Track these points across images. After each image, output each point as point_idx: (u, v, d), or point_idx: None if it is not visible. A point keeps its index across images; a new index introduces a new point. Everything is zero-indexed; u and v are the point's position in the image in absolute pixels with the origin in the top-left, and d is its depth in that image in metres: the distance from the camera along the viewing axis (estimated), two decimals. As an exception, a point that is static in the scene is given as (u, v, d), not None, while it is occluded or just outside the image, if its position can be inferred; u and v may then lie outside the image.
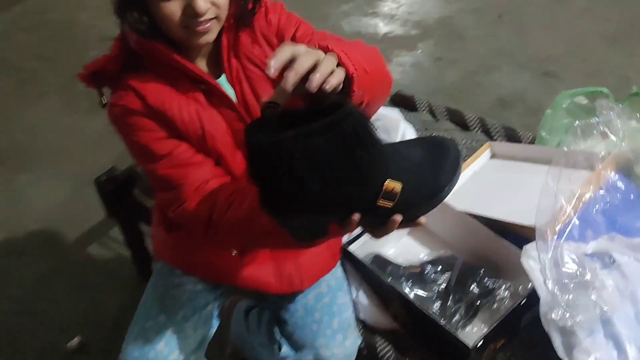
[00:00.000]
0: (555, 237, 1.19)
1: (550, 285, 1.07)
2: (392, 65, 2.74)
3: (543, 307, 1.03)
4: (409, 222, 0.78)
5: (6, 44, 3.19)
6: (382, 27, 3.06)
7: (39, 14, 3.44)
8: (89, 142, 2.38)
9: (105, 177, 1.53)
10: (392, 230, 0.77)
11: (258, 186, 0.70)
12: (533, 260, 1.10)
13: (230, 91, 0.99)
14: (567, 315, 1.03)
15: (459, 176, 0.78)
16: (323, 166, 0.66)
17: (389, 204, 0.72)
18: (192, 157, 0.96)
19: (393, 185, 0.71)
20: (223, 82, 1.00)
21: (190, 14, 0.86)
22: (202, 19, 0.87)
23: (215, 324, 1.20)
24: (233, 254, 1.10)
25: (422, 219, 0.78)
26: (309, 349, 1.12)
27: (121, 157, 1.63)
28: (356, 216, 0.73)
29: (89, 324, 1.70)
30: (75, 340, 1.64)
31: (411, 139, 0.86)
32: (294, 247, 1.00)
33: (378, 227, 0.78)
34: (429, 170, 0.75)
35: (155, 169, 0.95)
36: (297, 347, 1.14)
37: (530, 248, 1.12)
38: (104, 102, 0.99)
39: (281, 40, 1.01)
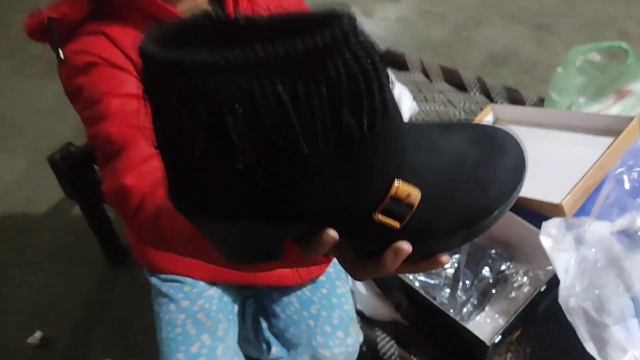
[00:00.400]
0: (578, 213, 1.07)
1: (573, 267, 0.95)
2: (375, 19, 2.54)
3: (563, 292, 0.91)
4: (422, 258, 0.47)
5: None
6: (362, -22, 2.84)
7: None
8: (44, 112, 2.15)
9: (60, 154, 1.34)
10: (390, 271, 0.46)
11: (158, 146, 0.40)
12: (553, 239, 0.97)
13: None
14: (593, 302, 0.91)
15: (519, 192, 0.48)
16: (275, 129, 0.35)
17: (395, 224, 0.43)
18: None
19: (408, 190, 0.42)
20: None
21: None
22: None
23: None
24: None
25: (444, 258, 0.47)
26: (305, 349, 0.97)
27: (80, 127, 1.43)
28: (329, 235, 0.42)
29: (54, 315, 1.53)
30: (36, 335, 1.48)
31: (446, 123, 0.52)
32: (228, 267, 0.58)
33: (364, 260, 0.47)
34: (474, 178, 0.46)
35: (107, 127, 0.71)
36: (289, 345, 1.00)
37: (549, 225, 0.99)
38: (62, 57, 0.77)
39: None
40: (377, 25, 2.49)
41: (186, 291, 0.98)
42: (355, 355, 1.01)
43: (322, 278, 1.02)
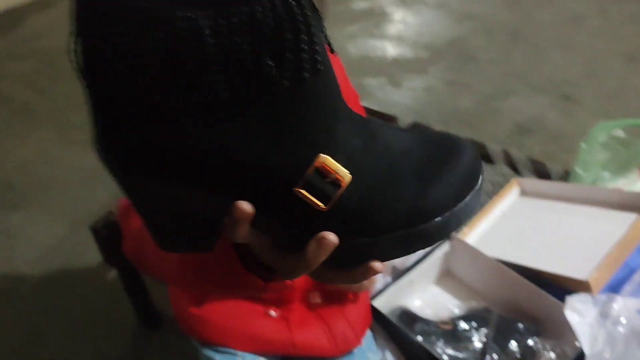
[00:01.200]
0: (604, 289, 1.08)
1: (599, 343, 0.95)
2: (403, 89, 2.63)
3: None
4: (353, 262, 0.42)
5: None
6: (391, 50, 2.96)
7: (32, 41, 3.35)
8: (84, 178, 2.26)
9: (102, 223, 1.41)
10: (312, 267, 0.41)
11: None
12: (579, 314, 0.98)
13: None
14: None
15: (471, 205, 0.43)
16: (193, 63, 0.35)
17: (318, 203, 0.39)
18: None
19: (334, 167, 0.39)
20: None
21: None
22: None
23: None
24: (273, 316, 0.96)
25: (377, 265, 0.42)
26: None
27: (118, 194, 1.51)
28: (242, 207, 0.39)
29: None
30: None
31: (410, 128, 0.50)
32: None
33: (285, 249, 0.43)
34: (415, 174, 0.42)
35: None
36: None
37: (574, 300, 1.00)
38: None
39: None
40: (405, 95, 2.58)
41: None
42: None
43: (355, 350, 1.04)
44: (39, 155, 2.42)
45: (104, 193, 1.90)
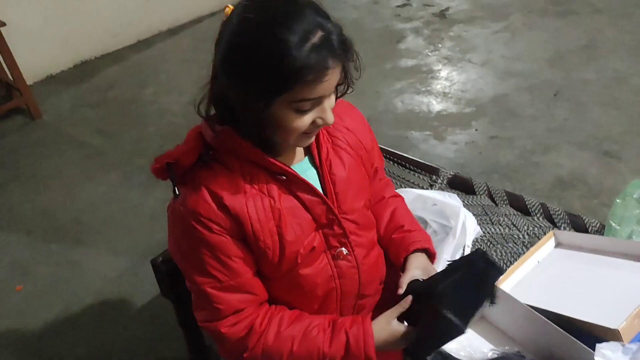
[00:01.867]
0: (635, 339, 1.12)
1: None
2: (446, 143, 2.73)
3: None
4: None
5: (73, 119, 3.37)
6: (435, 105, 3.08)
7: (104, 90, 3.64)
8: (145, 217, 2.44)
9: (162, 257, 1.54)
10: None
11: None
12: (609, 362, 1.02)
13: (310, 172, 1.03)
14: None
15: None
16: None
17: None
18: (241, 282, 0.98)
19: None
20: (305, 165, 1.03)
21: (319, 125, 0.90)
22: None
23: None
24: None
25: None
26: None
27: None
28: None
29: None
30: None
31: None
32: None
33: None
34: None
35: (201, 283, 0.97)
36: None
37: (604, 347, 1.05)
38: (177, 193, 0.95)
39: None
40: (448, 149, 2.67)
41: None
42: None
43: None
44: (106, 195, 2.61)
45: (163, 231, 2.04)
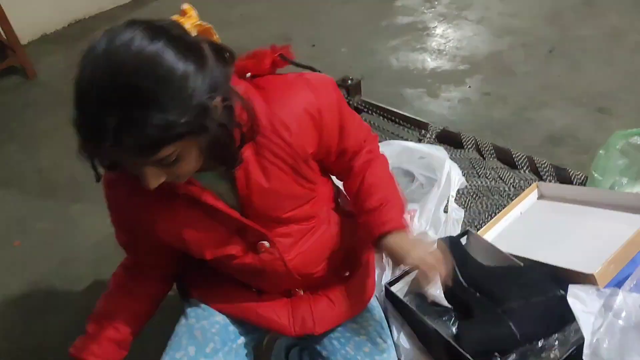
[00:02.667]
0: (610, 284, 1.15)
1: (599, 331, 1.02)
2: (440, 100, 2.73)
3: (587, 350, 1.00)
4: None
5: (68, 78, 3.31)
6: (430, 62, 3.06)
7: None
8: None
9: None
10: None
11: None
12: (582, 303, 1.05)
13: (224, 182, 0.98)
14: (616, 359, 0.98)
15: None
16: None
17: None
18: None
19: None
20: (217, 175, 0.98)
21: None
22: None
23: (250, 358, 1.20)
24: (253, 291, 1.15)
25: None
26: None
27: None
28: None
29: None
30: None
31: None
32: None
33: None
34: None
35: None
36: None
37: (579, 289, 1.08)
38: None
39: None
40: (441, 106, 2.68)
41: (198, 312, 1.16)
42: None
43: (363, 337, 1.15)
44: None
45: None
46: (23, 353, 1.79)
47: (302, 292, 1.17)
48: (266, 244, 1.04)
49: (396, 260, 1.03)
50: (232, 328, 1.17)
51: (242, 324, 1.18)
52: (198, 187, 0.94)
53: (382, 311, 1.22)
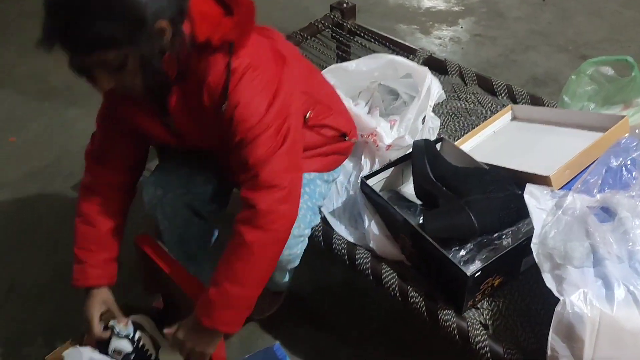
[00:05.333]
0: (563, 186, 1.26)
1: (548, 225, 1.13)
2: (431, 37, 2.79)
3: (535, 240, 1.10)
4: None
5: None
6: (426, 2, 3.11)
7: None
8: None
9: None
10: None
11: None
12: (536, 200, 1.16)
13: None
14: (559, 250, 1.09)
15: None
16: None
17: None
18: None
19: None
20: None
21: None
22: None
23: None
24: None
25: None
26: None
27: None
28: None
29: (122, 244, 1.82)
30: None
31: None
32: None
33: None
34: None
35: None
36: None
37: (534, 188, 1.18)
38: None
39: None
40: (432, 43, 2.75)
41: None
42: (295, 249, 1.27)
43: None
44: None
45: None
46: (18, 235, 1.90)
47: None
48: None
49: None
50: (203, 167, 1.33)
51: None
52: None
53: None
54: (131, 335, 1.26)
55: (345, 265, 1.34)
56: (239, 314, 1.12)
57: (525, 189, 1.18)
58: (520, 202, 1.19)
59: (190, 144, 1.23)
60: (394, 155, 1.42)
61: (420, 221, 1.27)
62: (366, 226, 1.33)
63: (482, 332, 1.16)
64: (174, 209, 1.24)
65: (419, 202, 1.36)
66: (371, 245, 1.32)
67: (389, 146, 1.41)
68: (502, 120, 1.60)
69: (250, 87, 1.06)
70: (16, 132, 2.31)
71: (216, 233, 1.46)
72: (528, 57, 2.58)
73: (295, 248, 1.26)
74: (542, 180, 1.24)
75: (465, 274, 1.12)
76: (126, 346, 1.24)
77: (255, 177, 1.07)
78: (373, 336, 1.56)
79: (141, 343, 1.27)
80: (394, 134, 1.47)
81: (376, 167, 1.44)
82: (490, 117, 1.64)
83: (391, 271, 1.28)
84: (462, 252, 1.22)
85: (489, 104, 1.74)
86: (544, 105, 1.68)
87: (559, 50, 2.61)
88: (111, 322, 1.24)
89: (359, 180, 1.37)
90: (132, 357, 1.25)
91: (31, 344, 1.56)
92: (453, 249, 1.22)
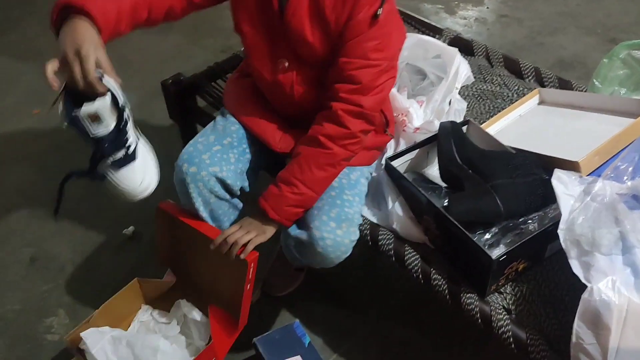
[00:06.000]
0: (592, 172, 1.24)
1: (576, 211, 1.12)
2: (456, 17, 2.74)
3: (562, 226, 1.09)
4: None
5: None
6: (451, -19, 3.05)
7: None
8: (158, 60, 2.51)
9: (171, 80, 1.65)
10: None
11: None
12: (564, 185, 1.14)
13: None
14: (587, 237, 1.07)
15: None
16: None
17: None
18: None
19: None
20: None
21: None
22: None
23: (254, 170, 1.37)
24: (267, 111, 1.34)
25: None
26: (306, 228, 1.23)
27: (189, 72, 1.76)
28: None
29: (142, 217, 1.84)
30: (130, 229, 1.80)
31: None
32: None
33: None
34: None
35: None
36: (298, 224, 1.26)
37: (563, 173, 1.17)
38: None
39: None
40: (457, 23, 2.70)
41: (224, 119, 1.36)
42: (346, 249, 1.24)
43: (334, 184, 1.28)
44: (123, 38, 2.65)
45: (175, 71, 2.13)
46: (40, 207, 1.92)
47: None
48: (285, 63, 1.20)
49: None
50: (246, 139, 1.34)
51: (253, 144, 1.35)
52: None
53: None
54: (122, 103, 0.96)
55: (367, 245, 1.33)
56: (300, 212, 1.23)
57: (553, 174, 1.16)
58: (548, 187, 1.17)
59: (285, 49, 1.21)
60: (421, 138, 1.40)
61: (445, 203, 1.27)
62: (390, 207, 1.32)
63: (505, 316, 1.15)
64: (207, 186, 1.25)
65: (443, 184, 1.35)
66: (394, 226, 1.31)
67: (417, 129, 1.39)
68: (529, 103, 1.57)
69: (396, 22, 1.20)
70: (40, 105, 2.32)
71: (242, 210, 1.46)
72: (555, 39, 2.53)
73: (349, 252, 1.27)
74: (570, 166, 1.22)
75: (490, 257, 1.11)
76: (110, 118, 0.94)
77: (358, 101, 1.16)
78: (392, 316, 1.56)
79: (128, 125, 1.00)
80: (422, 116, 1.45)
81: (400, 148, 1.42)
82: (516, 100, 1.62)
83: (414, 253, 1.28)
84: (487, 236, 1.21)
85: (516, 87, 1.71)
86: (573, 89, 1.65)
87: (588, 33, 2.55)
88: (98, 72, 0.91)
89: (383, 162, 1.36)
90: (109, 138, 0.96)
91: (54, 314, 1.59)
92: (477, 232, 1.21)
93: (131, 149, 1.03)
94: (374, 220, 1.35)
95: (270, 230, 1.24)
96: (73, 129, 0.93)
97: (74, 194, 1.93)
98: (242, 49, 1.35)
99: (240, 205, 1.36)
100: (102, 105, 0.92)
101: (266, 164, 1.40)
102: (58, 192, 1.12)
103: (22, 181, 2.01)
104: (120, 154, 1.01)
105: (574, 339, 1.02)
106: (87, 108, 0.91)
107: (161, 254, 1.45)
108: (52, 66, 0.90)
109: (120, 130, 0.98)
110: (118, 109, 0.96)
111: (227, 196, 1.30)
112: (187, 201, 1.29)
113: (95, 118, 0.92)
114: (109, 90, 0.93)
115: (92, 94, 0.92)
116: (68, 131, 0.97)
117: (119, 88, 0.95)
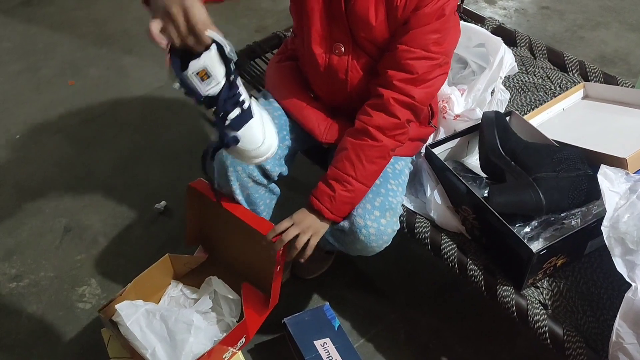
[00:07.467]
0: (638, 170, 1.21)
1: (621, 208, 1.09)
2: (496, 8, 2.69)
3: (606, 223, 1.06)
4: None
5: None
6: (492, -30, 2.99)
7: None
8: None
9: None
10: None
11: None
12: (610, 183, 1.12)
13: None
14: (632, 235, 1.05)
15: None
16: None
17: None
18: None
19: None
20: None
21: None
22: None
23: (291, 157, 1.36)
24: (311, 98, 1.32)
25: None
26: (348, 216, 1.22)
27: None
28: None
29: (173, 193, 1.85)
30: (162, 204, 1.81)
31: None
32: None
33: None
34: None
35: None
36: None
37: (609, 169, 1.15)
38: None
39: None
40: (496, 13, 2.65)
41: (269, 101, 1.35)
42: (387, 238, 1.23)
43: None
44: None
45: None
46: (74, 179, 1.94)
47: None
48: (342, 48, 1.18)
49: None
50: (287, 126, 1.33)
51: (293, 130, 1.33)
52: None
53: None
54: (229, 52, 0.89)
55: (402, 232, 1.32)
56: (353, 207, 1.21)
57: (599, 170, 1.14)
58: (592, 183, 1.15)
59: (343, 33, 1.19)
60: (461, 126, 1.38)
61: (485, 194, 1.25)
62: (428, 195, 1.30)
63: (542, 311, 1.13)
64: (245, 170, 1.24)
65: (483, 174, 1.33)
66: (432, 214, 1.30)
67: (457, 116, 1.37)
68: (573, 97, 1.53)
69: (457, 19, 1.18)
70: (75, 76, 2.34)
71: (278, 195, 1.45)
72: (597, 34, 2.47)
73: (389, 242, 1.26)
74: (616, 162, 1.20)
75: (531, 250, 1.09)
76: (219, 72, 0.89)
77: (410, 91, 1.15)
78: (422, 303, 1.55)
79: (238, 79, 0.95)
80: (462, 104, 1.43)
81: (440, 136, 1.40)
82: (559, 93, 1.59)
83: (451, 242, 1.26)
84: (527, 229, 1.20)
85: (559, 80, 1.68)
86: (619, 85, 1.61)
87: (631, 29, 2.49)
88: (209, 32, 0.86)
89: (423, 150, 1.35)
90: (222, 95, 0.91)
91: (86, 284, 1.61)
92: (517, 225, 1.20)
93: (246, 104, 0.98)
94: (411, 207, 1.33)
95: (324, 229, 1.22)
96: (184, 90, 0.90)
97: (105, 168, 1.96)
98: (284, 31, 1.32)
99: (277, 190, 1.35)
100: (208, 58, 0.87)
101: (304, 148, 1.39)
102: (206, 176, 1.18)
103: (57, 153, 2.03)
104: (236, 111, 0.96)
105: (613, 337, 1.00)
106: (195, 65, 0.87)
107: (190, 233, 1.46)
108: (156, 25, 0.86)
109: (231, 85, 0.93)
110: (225, 62, 0.90)
111: (265, 181, 1.29)
112: (224, 183, 1.28)
113: (204, 74, 0.88)
114: (213, 41, 0.88)
115: (196, 50, 0.87)
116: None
117: (222, 37, 0.88)
